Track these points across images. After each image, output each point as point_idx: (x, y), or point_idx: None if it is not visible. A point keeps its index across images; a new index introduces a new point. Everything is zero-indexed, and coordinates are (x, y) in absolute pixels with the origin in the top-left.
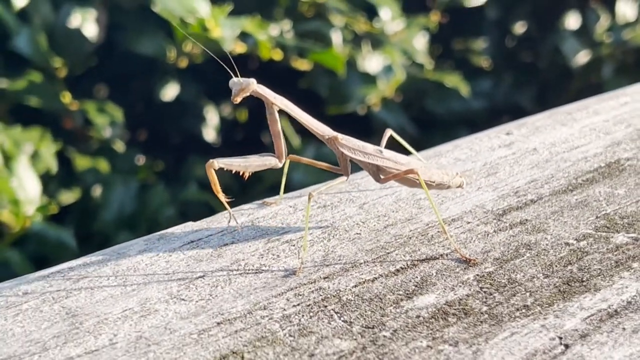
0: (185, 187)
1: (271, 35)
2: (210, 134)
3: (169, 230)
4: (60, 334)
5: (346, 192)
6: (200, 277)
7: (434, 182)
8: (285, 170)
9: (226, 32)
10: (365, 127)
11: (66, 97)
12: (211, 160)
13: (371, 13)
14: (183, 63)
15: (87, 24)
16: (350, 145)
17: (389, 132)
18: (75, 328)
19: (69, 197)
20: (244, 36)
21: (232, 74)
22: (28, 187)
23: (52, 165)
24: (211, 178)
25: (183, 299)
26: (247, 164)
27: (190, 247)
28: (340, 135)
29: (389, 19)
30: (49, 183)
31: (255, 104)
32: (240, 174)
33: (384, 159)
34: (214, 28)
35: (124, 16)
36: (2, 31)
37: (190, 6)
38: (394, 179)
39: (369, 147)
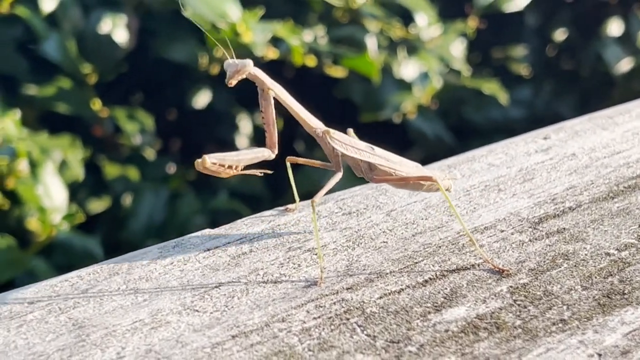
0: (216, 196)
1: (304, 40)
2: (243, 142)
3: (186, 237)
4: (65, 347)
5: (373, 197)
6: (216, 287)
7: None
8: (290, 174)
9: (257, 36)
10: (401, 137)
11: (96, 104)
12: (203, 157)
13: (407, 19)
14: (215, 70)
15: (117, 29)
16: (343, 141)
17: (350, 132)
18: (82, 340)
19: (98, 205)
20: (276, 42)
21: (228, 56)
22: (54, 195)
23: (79, 173)
24: (210, 172)
25: (197, 310)
26: (239, 158)
27: (207, 255)
28: (332, 130)
29: (425, 24)
30: (79, 191)
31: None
32: (234, 167)
33: (377, 157)
34: (244, 33)
35: (155, 22)
36: (30, 36)
37: (221, 11)
38: (393, 182)
39: (361, 143)
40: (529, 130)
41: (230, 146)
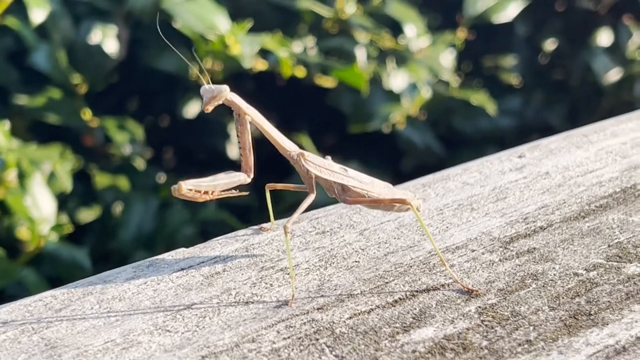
0: (205, 207)
1: (293, 52)
2: (234, 150)
3: (160, 256)
4: None
5: (347, 216)
6: (188, 307)
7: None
8: (269, 199)
9: (245, 49)
10: (392, 146)
11: (86, 114)
12: (179, 183)
13: (396, 29)
14: (205, 80)
15: (107, 40)
16: (317, 163)
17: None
18: None
19: (88, 215)
20: (265, 53)
21: (204, 81)
22: (43, 205)
23: (67, 184)
24: (186, 198)
25: (168, 330)
26: (215, 184)
27: (181, 274)
28: (306, 153)
29: (414, 35)
30: (68, 201)
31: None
32: (210, 193)
33: (350, 178)
34: (233, 45)
35: (145, 32)
36: (20, 47)
37: (210, 22)
38: (366, 203)
39: (335, 165)
40: (519, 140)
41: (221, 155)
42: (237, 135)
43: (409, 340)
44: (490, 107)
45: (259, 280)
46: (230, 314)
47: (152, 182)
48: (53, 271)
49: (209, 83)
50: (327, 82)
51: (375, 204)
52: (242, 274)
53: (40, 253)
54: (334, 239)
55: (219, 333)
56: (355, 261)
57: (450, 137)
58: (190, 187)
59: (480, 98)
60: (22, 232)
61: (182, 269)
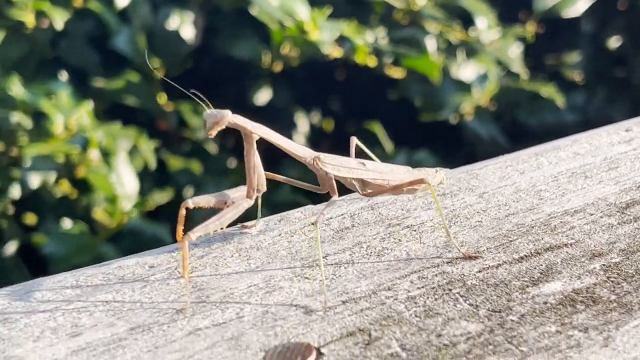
0: (278, 188)
1: (367, 41)
2: (300, 140)
3: (290, 212)
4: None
5: (465, 181)
6: (322, 257)
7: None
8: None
9: (325, 35)
10: (455, 138)
11: (162, 98)
12: (187, 234)
13: (466, 21)
14: (277, 67)
15: (185, 26)
16: (334, 163)
17: (354, 141)
18: (202, 301)
19: (162, 196)
20: (339, 41)
21: (204, 106)
22: (126, 183)
23: (152, 161)
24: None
25: (307, 278)
26: (222, 221)
27: (312, 229)
28: (322, 155)
29: (485, 27)
30: (143, 182)
31: (341, 114)
32: (219, 230)
33: (369, 172)
34: (312, 31)
35: (221, 19)
36: (102, 31)
37: (289, 9)
38: (389, 192)
39: (352, 161)
40: None
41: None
42: (244, 157)
43: (539, 293)
44: (559, 100)
45: (387, 235)
46: (364, 264)
47: (223, 167)
48: (134, 247)
49: (210, 108)
50: (396, 72)
51: (397, 190)
52: (371, 230)
53: (121, 230)
54: (455, 201)
55: (355, 281)
56: (478, 221)
57: (513, 130)
58: (200, 234)
59: (549, 91)
60: (99, 213)
61: (312, 224)
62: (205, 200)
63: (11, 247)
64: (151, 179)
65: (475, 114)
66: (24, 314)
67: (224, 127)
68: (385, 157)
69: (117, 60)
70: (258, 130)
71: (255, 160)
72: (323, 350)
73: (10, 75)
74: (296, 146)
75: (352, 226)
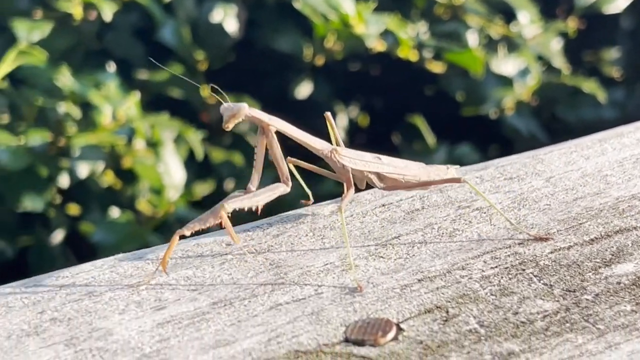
0: (321, 181)
1: (410, 35)
2: (340, 135)
3: (361, 193)
4: (266, 283)
5: (530, 165)
6: (395, 237)
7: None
8: (296, 173)
9: (371, 28)
10: (489, 133)
11: (205, 91)
12: (222, 204)
13: (508, 16)
14: (320, 61)
15: (228, 19)
16: (351, 156)
17: (329, 117)
18: (281, 278)
19: (203, 188)
20: (383, 35)
21: (221, 100)
22: (173, 173)
23: (199, 151)
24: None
25: (382, 257)
26: (257, 199)
27: (383, 210)
28: (339, 148)
29: (528, 22)
30: (187, 174)
31: (377, 109)
32: (254, 209)
33: (385, 166)
34: (357, 24)
35: (263, 12)
36: (147, 23)
37: (334, 3)
38: (406, 187)
39: (367, 155)
40: None
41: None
42: (255, 149)
43: (612, 274)
44: (601, 95)
45: (457, 217)
46: (437, 244)
47: (265, 160)
48: None
49: (226, 101)
50: (436, 67)
51: (426, 186)
52: (441, 212)
53: (167, 219)
54: (522, 185)
55: (429, 260)
56: (547, 204)
57: (551, 126)
58: (235, 207)
59: (591, 86)
60: (143, 204)
61: (383, 205)
62: (241, 202)
63: (58, 236)
64: (193, 170)
65: (516, 108)
66: (108, 287)
67: (240, 120)
68: (426, 151)
69: (161, 53)
70: (275, 122)
71: (279, 150)
72: (402, 325)
73: (58, 66)
74: (313, 139)
75: (422, 208)
